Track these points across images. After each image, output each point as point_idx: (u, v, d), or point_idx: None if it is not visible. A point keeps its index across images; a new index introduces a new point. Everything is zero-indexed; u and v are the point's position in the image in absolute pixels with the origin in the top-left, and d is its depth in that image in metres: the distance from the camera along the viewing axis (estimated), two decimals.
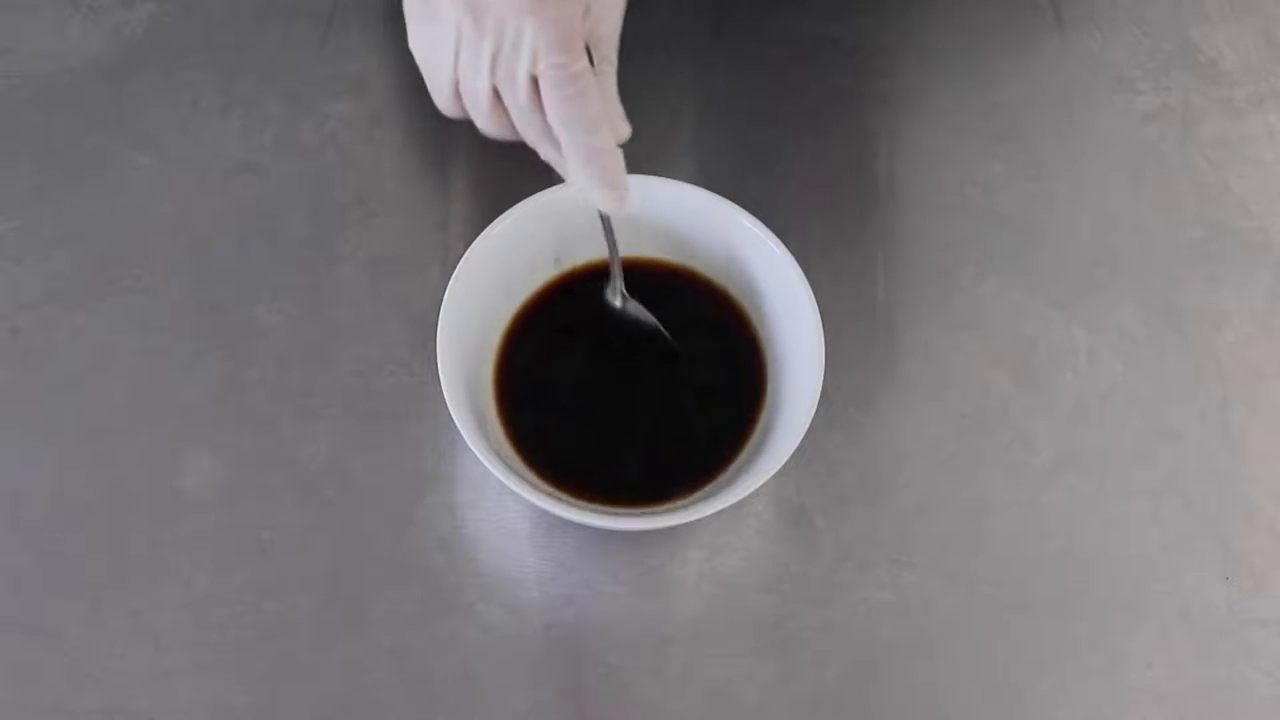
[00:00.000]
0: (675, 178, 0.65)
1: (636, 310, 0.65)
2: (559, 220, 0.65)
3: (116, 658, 0.63)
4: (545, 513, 0.61)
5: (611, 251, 0.64)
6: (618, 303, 0.65)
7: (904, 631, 0.64)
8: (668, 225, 0.66)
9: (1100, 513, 0.67)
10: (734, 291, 0.66)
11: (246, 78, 0.73)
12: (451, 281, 0.62)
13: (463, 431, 0.59)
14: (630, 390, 0.66)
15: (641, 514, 0.60)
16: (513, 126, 0.59)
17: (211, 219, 0.70)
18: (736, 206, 0.64)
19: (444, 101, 0.61)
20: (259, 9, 0.75)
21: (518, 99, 0.57)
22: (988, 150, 0.73)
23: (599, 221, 0.64)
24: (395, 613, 0.64)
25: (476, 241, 0.63)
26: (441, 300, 0.62)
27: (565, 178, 0.60)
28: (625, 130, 0.60)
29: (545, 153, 0.60)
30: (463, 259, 0.62)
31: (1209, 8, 0.77)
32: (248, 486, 0.65)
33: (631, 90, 0.73)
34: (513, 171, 0.70)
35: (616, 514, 0.60)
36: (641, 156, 0.68)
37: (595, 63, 0.58)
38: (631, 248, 0.67)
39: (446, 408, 0.60)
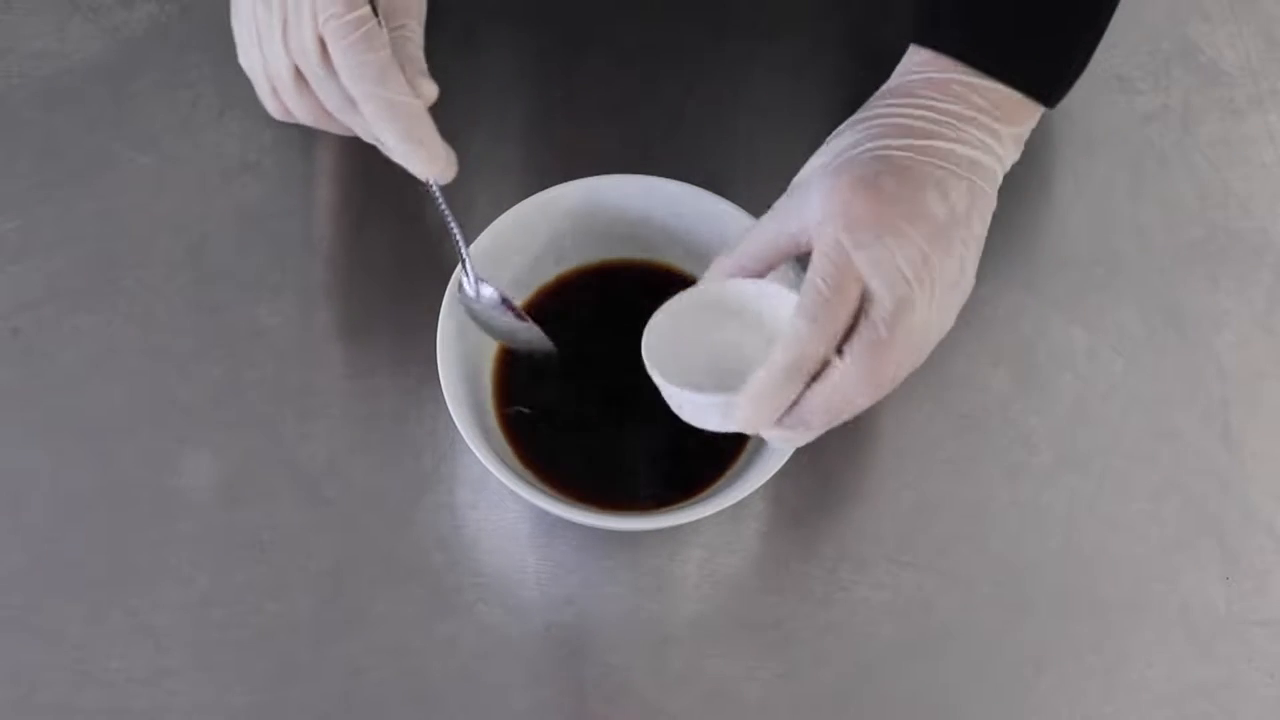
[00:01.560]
0: (675, 178, 0.65)
1: (490, 300, 0.63)
2: (559, 220, 0.65)
3: (116, 658, 0.63)
4: (545, 513, 0.61)
5: (449, 227, 0.61)
6: (470, 290, 0.62)
7: (904, 631, 0.64)
8: (668, 225, 0.66)
9: (1100, 513, 0.67)
10: None
11: (246, 78, 0.73)
12: (451, 282, 0.62)
13: (463, 431, 0.59)
14: (630, 390, 0.66)
15: (641, 514, 0.60)
16: (322, 105, 0.59)
17: (211, 219, 0.70)
18: (737, 207, 0.64)
19: (268, 101, 0.61)
20: None
21: (310, 64, 0.57)
22: None
23: (600, 222, 0.64)
24: (395, 613, 0.64)
25: (477, 241, 0.63)
26: (441, 301, 0.62)
27: (385, 150, 0.59)
28: (429, 90, 0.59)
29: (357, 127, 0.60)
30: (463, 259, 0.62)
31: (1209, 8, 0.77)
32: (248, 486, 0.65)
33: (632, 90, 0.74)
34: (513, 172, 0.70)
35: (616, 514, 0.60)
36: (642, 156, 0.68)
37: (393, 26, 0.59)
38: (631, 248, 0.67)
39: (446, 408, 0.60)
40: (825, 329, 0.55)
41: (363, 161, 0.71)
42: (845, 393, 0.56)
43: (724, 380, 0.56)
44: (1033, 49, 0.61)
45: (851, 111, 0.63)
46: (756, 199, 0.65)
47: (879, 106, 0.61)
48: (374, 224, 0.70)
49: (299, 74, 0.59)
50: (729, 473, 0.63)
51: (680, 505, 0.61)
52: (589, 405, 0.66)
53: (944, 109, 0.59)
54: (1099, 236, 0.72)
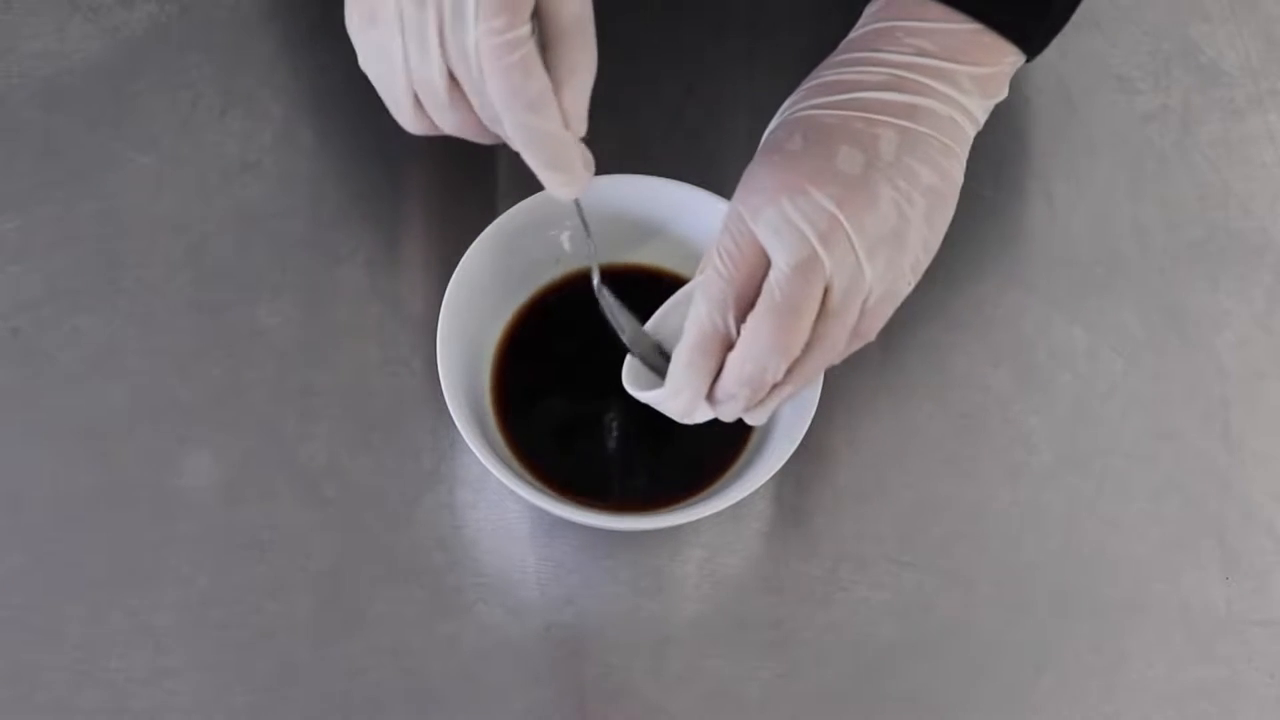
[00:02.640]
0: (676, 178, 0.65)
1: (610, 303, 0.62)
2: (560, 221, 0.65)
3: (116, 658, 0.63)
4: (545, 513, 0.61)
5: (587, 235, 0.61)
6: (598, 289, 0.62)
7: (904, 631, 0.64)
8: (667, 225, 0.66)
9: (1100, 513, 0.67)
10: None
11: (246, 78, 0.73)
12: (451, 282, 0.62)
13: (463, 431, 0.59)
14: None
15: (641, 514, 0.60)
16: (476, 117, 0.55)
17: (211, 219, 0.70)
18: None
19: (405, 114, 0.56)
20: (259, 9, 0.75)
21: (470, 72, 0.52)
22: (987, 150, 0.73)
23: (599, 222, 0.64)
24: (395, 613, 0.64)
25: (477, 241, 0.63)
26: (441, 300, 0.62)
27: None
28: (579, 126, 0.55)
29: (505, 137, 0.56)
30: (463, 259, 0.62)
31: (1209, 8, 0.77)
32: (248, 486, 0.65)
33: (631, 90, 0.74)
34: (512, 172, 0.70)
35: (616, 514, 0.60)
36: (642, 156, 0.68)
37: (565, 49, 0.54)
38: (632, 249, 0.67)
39: (446, 408, 0.60)
40: (725, 304, 0.55)
41: (363, 161, 0.71)
42: (756, 361, 0.55)
43: None
44: None
45: None
46: None
47: (820, 70, 0.59)
48: (374, 223, 0.70)
49: (453, 82, 0.53)
50: (729, 473, 0.63)
51: (680, 505, 0.61)
52: (589, 406, 0.66)
53: (882, 58, 0.57)
54: (1099, 236, 0.72)
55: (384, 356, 0.68)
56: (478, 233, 0.63)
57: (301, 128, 0.72)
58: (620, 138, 0.72)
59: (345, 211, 0.71)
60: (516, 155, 0.62)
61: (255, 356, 0.68)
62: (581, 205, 0.60)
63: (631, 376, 0.60)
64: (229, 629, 0.63)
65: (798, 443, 0.60)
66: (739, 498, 0.59)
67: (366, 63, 0.56)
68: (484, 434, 0.61)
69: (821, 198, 0.55)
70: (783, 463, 0.59)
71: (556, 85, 0.54)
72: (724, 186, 0.65)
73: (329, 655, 0.63)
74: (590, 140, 0.73)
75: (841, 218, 0.55)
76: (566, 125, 0.55)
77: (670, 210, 0.65)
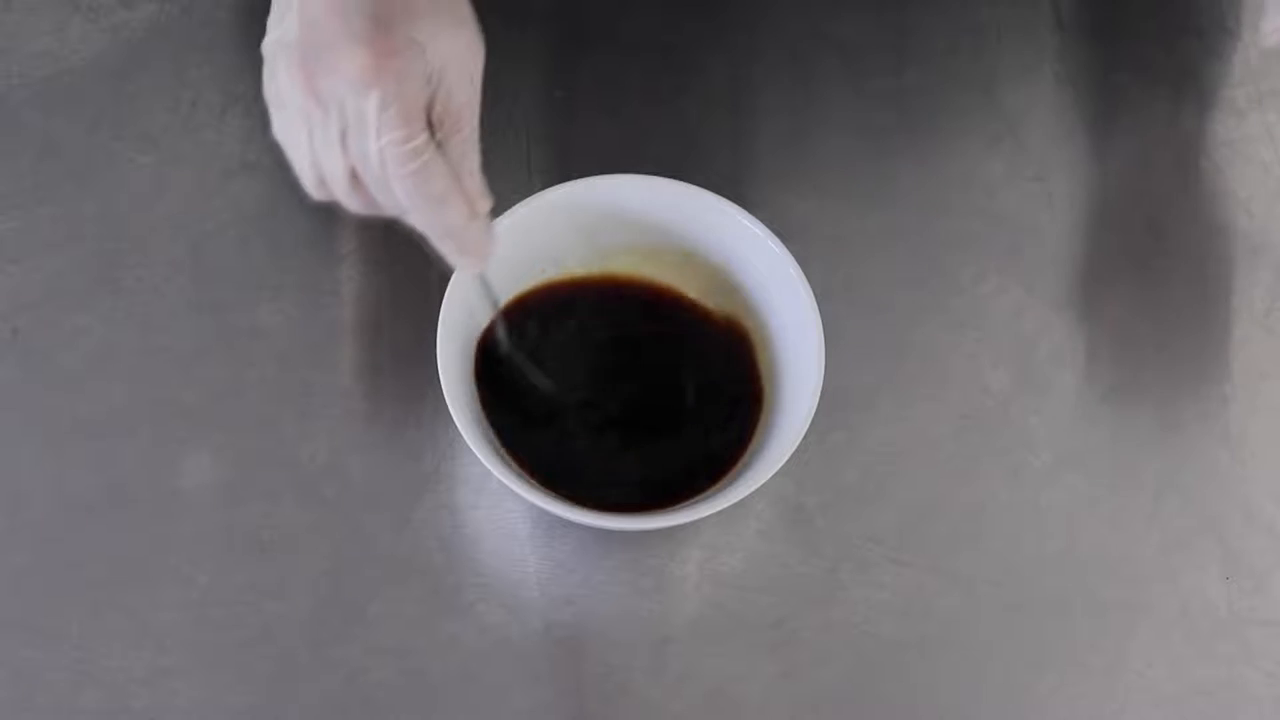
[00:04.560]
0: (676, 178, 0.65)
1: (518, 357, 0.64)
2: (559, 221, 0.65)
3: (116, 658, 0.63)
4: (545, 513, 0.61)
5: (491, 302, 0.63)
6: (504, 348, 0.64)
7: (904, 631, 0.64)
8: (668, 224, 0.66)
9: (1100, 513, 0.67)
10: (732, 291, 0.66)
11: (246, 78, 0.73)
12: (451, 282, 0.62)
13: (463, 431, 0.59)
14: (630, 391, 0.66)
15: (641, 514, 0.60)
16: (375, 202, 0.58)
17: (211, 219, 0.70)
18: (737, 206, 0.64)
19: (309, 184, 0.59)
20: (259, 9, 0.74)
21: (372, 175, 0.56)
22: (987, 150, 0.73)
23: (599, 222, 0.64)
24: (395, 613, 0.64)
25: None
26: (441, 300, 0.62)
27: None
28: (484, 206, 0.58)
29: (412, 224, 0.59)
30: None
31: (1209, 8, 0.77)
32: (248, 486, 0.65)
33: (631, 90, 0.74)
34: (511, 172, 0.70)
35: (616, 514, 0.60)
36: (642, 156, 0.68)
37: (451, 134, 0.56)
38: (631, 247, 0.67)
39: (446, 408, 0.60)
40: None
41: None
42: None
43: None
44: None
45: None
46: (757, 199, 0.65)
47: None
48: (374, 223, 0.70)
49: (354, 174, 0.57)
50: (729, 473, 0.63)
51: (680, 505, 0.61)
52: (589, 406, 0.66)
53: None
54: (1099, 236, 0.72)
55: (384, 356, 0.68)
56: None
57: None
58: (620, 138, 0.72)
59: (345, 211, 0.70)
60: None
61: (255, 356, 0.68)
62: (484, 276, 0.62)
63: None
64: (229, 629, 0.63)
65: (798, 443, 0.60)
66: (739, 498, 0.59)
67: (277, 134, 0.58)
68: (484, 434, 0.61)
69: None
70: (783, 463, 0.59)
71: (454, 172, 0.56)
72: (724, 186, 0.65)
73: (329, 655, 0.63)
74: (590, 140, 0.73)
75: None
76: (472, 207, 0.57)
77: (670, 210, 0.65)
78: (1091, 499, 0.67)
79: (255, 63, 0.73)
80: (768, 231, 0.64)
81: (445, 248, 0.58)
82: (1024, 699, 0.64)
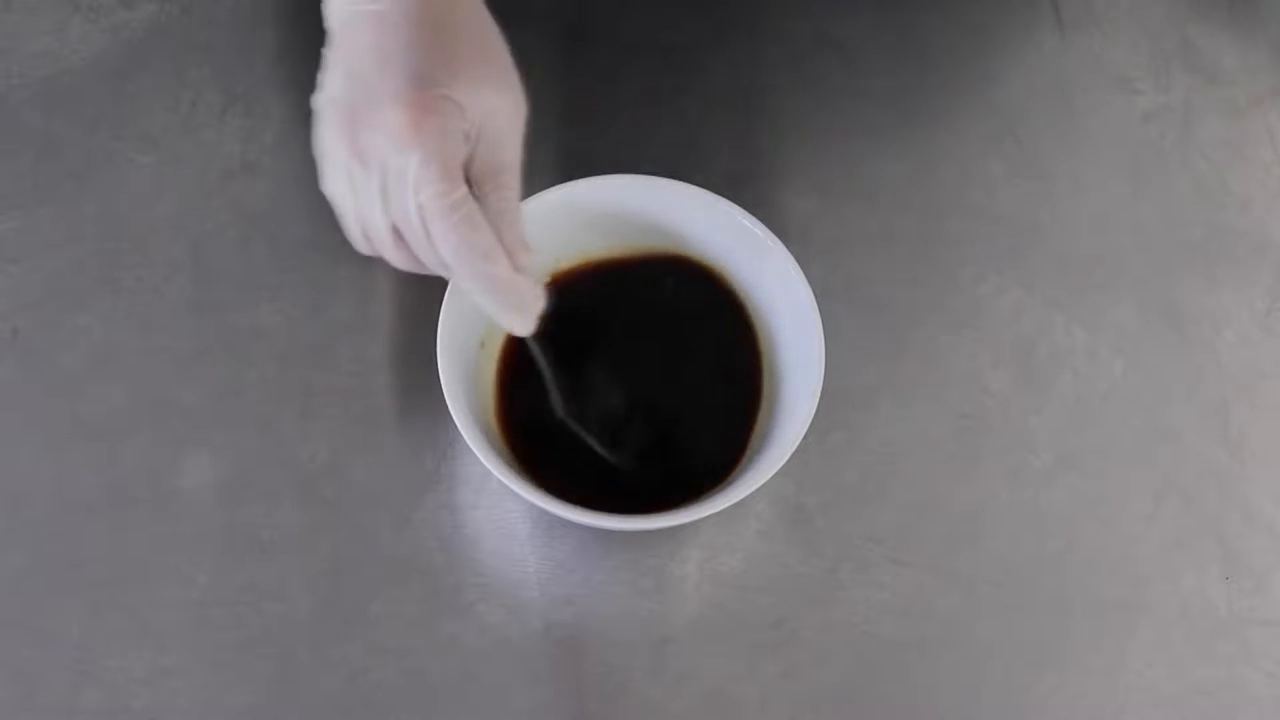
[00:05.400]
0: (676, 178, 0.65)
1: (574, 425, 0.64)
2: (560, 220, 0.65)
3: (116, 658, 0.63)
4: (545, 513, 0.61)
5: (543, 368, 0.63)
6: (559, 413, 0.64)
7: (904, 631, 0.64)
8: (668, 225, 0.66)
9: (1100, 513, 0.67)
10: (734, 290, 0.66)
11: (246, 78, 0.73)
12: (451, 281, 0.62)
13: (463, 431, 0.59)
14: (630, 390, 0.66)
15: (641, 514, 0.60)
16: (418, 259, 0.58)
17: (211, 219, 0.70)
18: (737, 206, 0.64)
19: (356, 241, 0.59)
20: (259, 9, 0.75)
21: (414, 232, 0.56)
22: (987, 150, 0.73)
23: (599, 221, 0.64)
24: (395, 613, 0.64)
25: None
26: (441, 300, 0.62)
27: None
28: (526, 259, 0.58)
29: (458, 281, 0.59)
30: None
31: (1209, 8, 0.77)
32: (248, 486, 0.65)
33: (632, 90, 0.74)
34: None
35: (616, 514, 0.60)
36: (642, 156, 0.68)
37: (491, 191, 0.57)
38: (631, 246, 0.67)
39: (446, 408, 0.60)
40: None
41: None
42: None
43: None
44: None
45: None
46: (757, 199, 0.65)
47: None
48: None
49: (397, 232, 0.57)
50: (729, 473, 0.63)
51: (680, 505, 0.61)
52: (589, 405, 0.66)
53: None
54: (1099, 236, 0.72)
55: (384, 356, 0.68)
56: None
57: (301, 128, 0.72)
58: (620, 138, 0.72)
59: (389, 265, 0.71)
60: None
61: (255, 356, 0.68)
62: (533, 343, 0.62)
63: None
64: (229, 629, 0.63)
65: (798, 443, 0.60)
66: (739, 498, 0.59)
67: (325, 188, 0.58)
68: (484, 434, 0.61)
69: None
70: (783, 463, 0.59)
71: (495, 226, 0.56)
72: (724, 186, 0.65)
73: (329, 655, 0.63)
74: (590, 140, 0.73)
75: None
76: (514, 262, 0.57)
77: (670, 210, 0.65)
78: (1091, 499, 0.67)
79: (255, 63, 0.74)
80: (768, 231, 0.64)
81: (491, 304, 0.58)
82: (1024, 699, 0.64)
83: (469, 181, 0.56)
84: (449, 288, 0.62)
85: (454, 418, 0.59)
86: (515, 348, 0.66)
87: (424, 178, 0.54)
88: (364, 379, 0.68)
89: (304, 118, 0.72)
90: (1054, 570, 0.66)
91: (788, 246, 0.63)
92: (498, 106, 0.56)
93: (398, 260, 0.58)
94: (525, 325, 0.59)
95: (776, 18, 0.76)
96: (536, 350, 0.62)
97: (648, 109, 0.73)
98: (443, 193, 0.54)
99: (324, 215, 0.71)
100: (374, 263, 0.69)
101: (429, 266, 0.58)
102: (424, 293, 0.67)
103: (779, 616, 0.64)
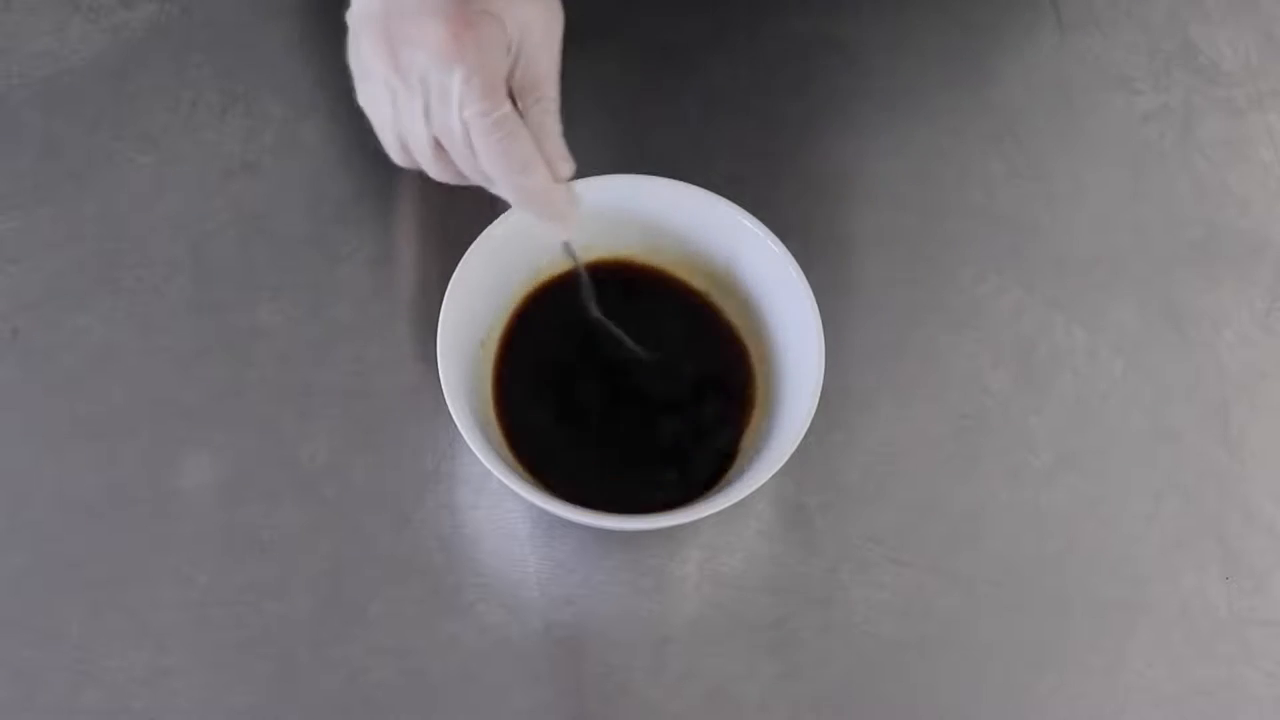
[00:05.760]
0: (676, 178, 0.65)
1: (606, 323, 0.65)
2: None
3: (116, 658, 0.63)
4: (545, 513, 0.61)
5: (578, 269, 0.64)
6: (593, 312, 0.65)
7: (904, 631, 0.64)
8: (667, 225, 0.66)
9: (1100, 513, 0.67)
10: (732, 291, 0.66)
11: (246, 78, 0.73)
12: (451, 281, 0.62)
13: (463, 431, 0.59)
14: (630, 391, 0.66)
15: (641, 514, 0.60)
16: (460, 171, 0.59)
17: (211, 219, 0.70)
18: (736, 206, 0.64)
19: (394, 153, 0.60)
20: (259, 9, 0.75)
21: (456, 146, 0.57)
22: (987, 150, 0.73)
23: (599, 222, 0.64)
24: (395, 613, 0.64)
25: (477, 241, 0.63)
26: (441, 300, 0.62)
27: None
28: (566, 170, 0.59)
29: (496, 191, 0.60)
30: (463, 259, 0.62)
31: (1209, 8, 0.77)
32: (248, 486, 0.65)
33: (632, 90, 0.74)
34: None
35: (616, 514, 0.60)
36: (643, 156, 0.68)
37: (532, 104, 0.58)
38: (632, 247, 0.67)
39: (446, 408, 0.60)
40: None
41: (363, 161, 0.71)
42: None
43: None
44: None
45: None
46: (757, 199, 0.65)
47: None
48: (375, 222, 0.70)
49: (439, 145, 0.58)
50: (729, 473, 0.63)
51: (680, 505, 0.61)
52: (589, 405, 0.66)
53: None
54: (1099, 236, 0.72)
55: (384, 356, 0.68)
56: (478, 232, 0.63)
57: (301, 128, 0.72)
58: (620, 138, 0.72)
59: (345, 211, 0.71)
60: None
61: (255, 356, 0.68)
62: (571, 244, 0.63)
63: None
64: (229, 629, 0.63)
65: (798, 443, 0.60)
66: (739, 498, 0.59)
67: (362, 102, 0.60)
68: (484, 434, 0.61)
69: None
70: (782, 463, 0.59)
71: (535, 138, 0.57)
72: (724, 186, 0.65)
73: (329, 655, 0.63)
74: (590, 140, 0.73)
75: None
76: (554, 172, 0.58)
77: (670, 210, 0.65)
78: (1091, 499, 0.67)
79: (255, 63, 0.74)
80: (768, 231, 0.64)
81: (530, 212, 0.59)
82: (1024, 699, 0.64)
83: (510, 95, 0.56)
84: (449, 288, 0.62)
85: (454, 418, 0.59)
86: (515, 348, 0.66)
87: (468, 95, 0.55)
88: (364, 379, 0.67)
89: (304, 117, 0.72)
90: (1054, 570, 0.66)
91: (788, 246, 0.63)
92: (534, 17, 0.56)
93: (436, 172, 0.59)
94: (564, 230, 0.61)
95: (776, 18, 0.76)
96: (572, 252, 0.63)
97: (648, 109, 0.73)
98: (486, 110, 0.55)
99: (324, 215, 0.71)
100: (375, 262, 0.70)
101: (469, 177, 0.58)
102: (424, 293, 0.67)
103: (779, 616, 0.64)
